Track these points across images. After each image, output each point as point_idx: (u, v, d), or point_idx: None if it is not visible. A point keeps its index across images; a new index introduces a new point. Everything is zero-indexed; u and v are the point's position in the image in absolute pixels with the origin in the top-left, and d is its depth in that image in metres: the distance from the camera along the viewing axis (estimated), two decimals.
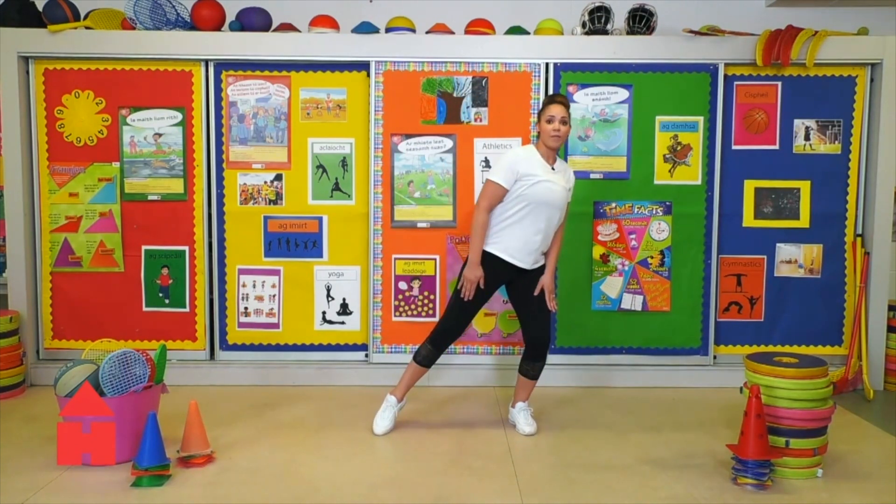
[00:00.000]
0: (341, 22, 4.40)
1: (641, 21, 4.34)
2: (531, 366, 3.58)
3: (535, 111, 4.29)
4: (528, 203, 3.39)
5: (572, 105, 4.29)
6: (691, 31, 4.32)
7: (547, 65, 4.29)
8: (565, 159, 4.32)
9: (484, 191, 3.45)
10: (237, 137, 4.35)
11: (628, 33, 4.37)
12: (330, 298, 4.43)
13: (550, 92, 4.29)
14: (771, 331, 4.45)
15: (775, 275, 4.43)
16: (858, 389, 4.31)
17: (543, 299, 3.53)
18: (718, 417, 3.81)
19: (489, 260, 3.46)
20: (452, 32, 4.37)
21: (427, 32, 4.38)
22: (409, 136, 4.32)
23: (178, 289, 4.40)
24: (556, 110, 3.42)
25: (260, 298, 4.43)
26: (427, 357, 3.57)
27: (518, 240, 3.44)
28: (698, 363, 4.42)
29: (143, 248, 4.39)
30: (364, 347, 4.45)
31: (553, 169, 3.46)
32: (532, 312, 3.54)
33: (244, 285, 4.42)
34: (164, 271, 4.39)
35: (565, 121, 3.43)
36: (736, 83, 4.34)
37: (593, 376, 4.39)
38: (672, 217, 4.36)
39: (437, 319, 4.32)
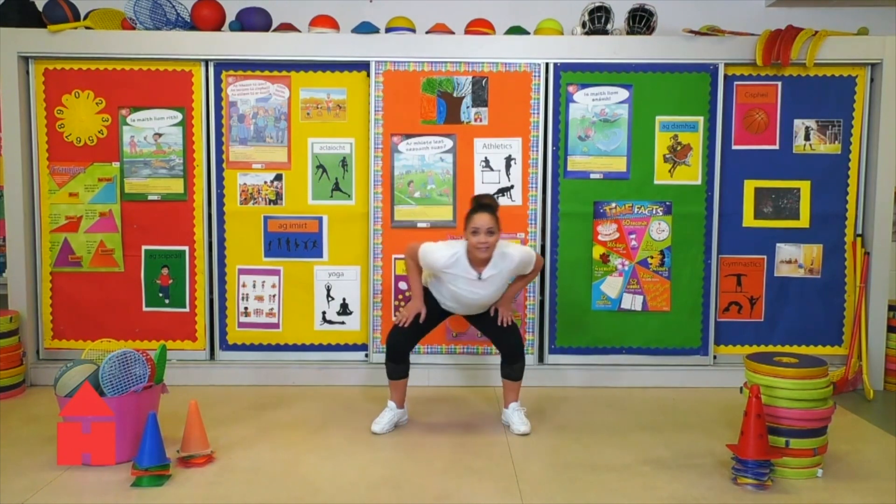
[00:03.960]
0: (341, 22, 4.40)
1: (641, 21, 4.34)
2: (511, 369, 3.60)
3: (535, 111, 4.29)
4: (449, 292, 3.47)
5: (572, 105, 4.30)
6: (691, 31, 4.32)
7: (547, 65, 4.29)
8: (565, 160, 4.32)
9: (412, 248, 3.48)
10: (237, 137, 4.35)
11: (628, 33, 4.37)
12: (330, 298, 4.43)
13: (550, 92, 4.29)
14: (771, 331, 4.45)
15: (775, 275, 4.43)
16: (858, 389, 4.31)
17: (497, 317, 3.58)
18: (718, 417, 3.81)
19: (430, 296, 3.57)
20: (452, 32, 4.37)
21: (427, 32, 4.38)
22: (409, 136, 4.32)
23: (178, 289, 4.40)
24: (480, 221, 3.28)
25: (260, 298, 4.43)
26: (393, 371, 3.59)
27: (449, 297, 3.51)
28: (698, 363, 4.42)
29: (143, 248, 4.39)
30: (364, 347, 4.45)
31: (480, 277, 3.38)
32: (493, 328, 3.59)
33: (244, 285, 4.42)
34: (164, 271, 4.39)
35: (492, 231, 3.28)
36: (736, 83, 4.34)
37: (593, 376, 4.39)
38: (672, 217, 4.36)
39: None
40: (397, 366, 3.58)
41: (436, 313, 3.61)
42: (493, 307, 3.57)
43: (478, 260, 3.37)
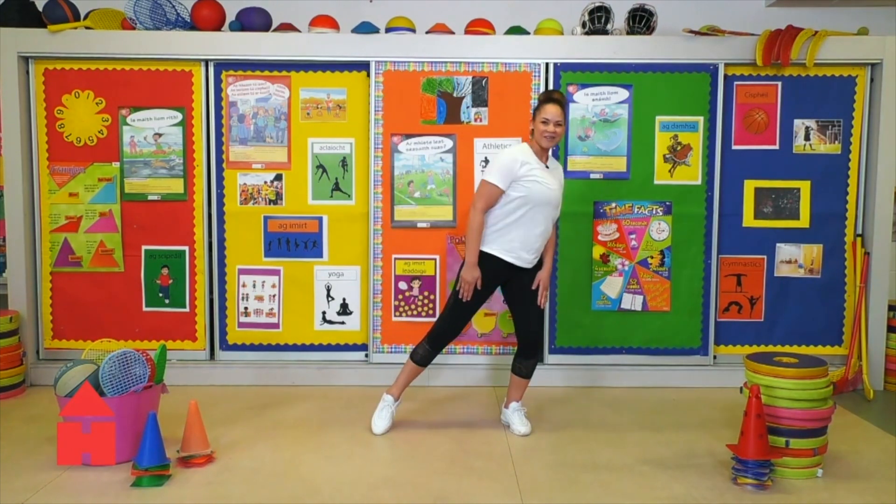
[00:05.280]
0: (341, 22, 4.40)
1: (641, 21, 4.34)
2: (524, 363, 3.60)
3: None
4: (527, 204, 3.38)
5: (572, 105, 4.30)
6: (691, 31, 4.32)
7: (547, 65, 4.29)
8: (565, 160, 4.32)
9: (480, 191, 3.43)
10: (237, 137, 4.35)
11: (628, 33, 4.37)
12: (330, 298, 4.43)
13: None
14: (771, 331, 4.45)
15: (775, 275, 4.43)
16: (858, 389, 4.31)
17: (536, 295, 3.54)
18: (718, 417, 3.81)
19: (487, 260, 3.46)
20: (452, 32, 4.37)
21: (427, 32, 4.38)
22: (409, 136, 4.32)
23: (178, 289, 4.40)
24: (551, 112, 3.36)
25: (260, 298, 4.43)
26: (424, 357, 3.58)
27: (518, 240, 3.43)
28: (698, 363, 4.42)
29: (143, 248, 4.39)
30: (364, 347, 4.45)
31: (547, 167, 3.46)
32: (526, 310, 3.56)
33: (244, 285, 4.42)
34: (164, 271, 4.39)
35: (560, 123, 3.37)
36: (736, 83, 4.34)
37: (593, 376, 4.39)
38: (672, 217, 4.36)
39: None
40: (435, 352, 3.58)
41: (485, 286, 3.47)
42: (539, 279, 3.52)
43: (541, 152, 3.43)
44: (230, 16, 4.40)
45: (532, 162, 3.39)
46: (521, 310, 3.58)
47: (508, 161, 3.37)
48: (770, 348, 4.43)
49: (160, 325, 4.41)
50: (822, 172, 4.37)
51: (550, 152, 3.52)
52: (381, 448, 3.39)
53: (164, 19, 4.29)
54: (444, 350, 3.62)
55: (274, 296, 4.43)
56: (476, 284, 3.44)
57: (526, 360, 3.59)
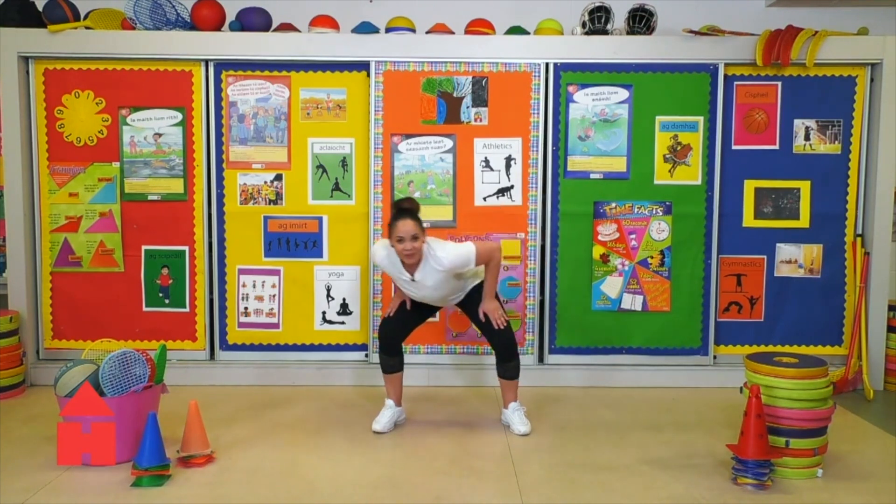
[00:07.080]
0: (341, 22, 4.40)
1: (641, 21, 4.34)
2: (505, 367, 3.60)
3: (535, 111, 4.29)
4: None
5: (572, 105, 4.30)
6: (691, 31, 4.32)
7: (547, 65, 4.29)
8: (565, 160, 4.32)
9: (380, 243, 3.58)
10: (237, 137, 4.35)
11: (628, 33, 4.37)
12: (330, 298, 4.43)
13: (550, 92, 4.29)
14: (771, 331, 4.45)
15: (775, 275, 4.42)
16: (858, 389, 4.31)
17: (489, 317, 3.55)
18: (718, 417, 3.81)
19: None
20: (452, 32, 4.37)
21: (427, 32, 4.38)
22: (409, 136, 4.32)
23: (178, 289, 4.40)
24: (403, 229, 3.23)
25: (260, 298, 4.43)
26: (387, 364, 3.63)
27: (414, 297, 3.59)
28: (698, 363, 4.42)
29: (143, 248, 4.39)
30: (364, 347, 4.45)
31: (413, 279, 3.39)
32: (487, 325, 3.57)
33: (244, 285, 4.42)
34: (164, 271, 4.39)
35: (416, 236, 3.25)
36: (736, 83, 4.34)
37: (593, 376, 4.39)
38: (672, 217, 4.36)
39: (436, 319, 4.30)
40: (391, 358, 3.61)
41: (416, 304, 3.63)
42: (482, 311, 3.52)
43: (407, 263, 3.38)
44: (230, 16, 4.40)
45: (395, 273, 3.44)
46: (481, 326, 3.61)
47: (375, 261, 3.53)
48: (770, 348, 4.43)
49: (160, 325, 4.41)
50: (822, 172, 4.37)
51: (428, 253, 3.32)
52: (381, 448, 3.39)
53: (164, 19, 4.29)
54: (399, 348, 3.62)
55: (274, 296, 4.43)
56: (406, 304, 3.61)
57: (506, 363, 3.59)
